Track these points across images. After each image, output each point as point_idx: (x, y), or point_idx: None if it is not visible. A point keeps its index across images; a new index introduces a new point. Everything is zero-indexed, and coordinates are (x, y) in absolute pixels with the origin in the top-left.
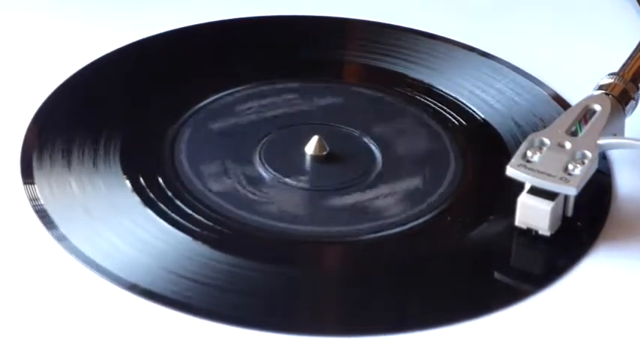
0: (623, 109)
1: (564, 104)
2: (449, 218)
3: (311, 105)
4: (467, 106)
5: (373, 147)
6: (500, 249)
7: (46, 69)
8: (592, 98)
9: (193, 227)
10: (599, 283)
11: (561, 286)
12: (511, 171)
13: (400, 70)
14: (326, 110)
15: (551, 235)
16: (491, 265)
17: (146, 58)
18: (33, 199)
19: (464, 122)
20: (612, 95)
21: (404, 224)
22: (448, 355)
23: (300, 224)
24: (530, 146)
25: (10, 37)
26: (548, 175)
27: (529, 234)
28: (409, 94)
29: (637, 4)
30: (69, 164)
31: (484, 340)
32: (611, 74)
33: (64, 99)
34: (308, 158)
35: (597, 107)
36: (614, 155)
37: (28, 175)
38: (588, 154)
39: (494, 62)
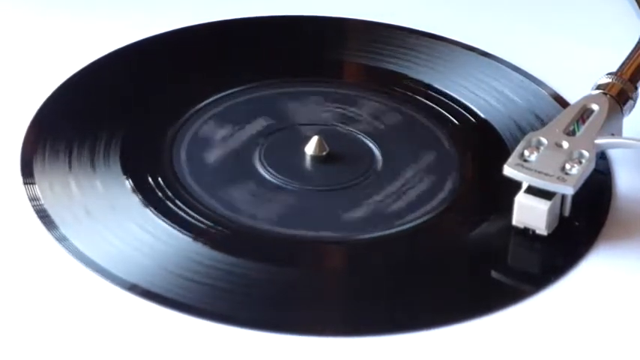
0: (621, 109)
1: (564, 104)
2: (449, 218)
3: (311, 105)
4: (467, 106)
5: (373, 147)
6: (501, 249)
7: (46, 69)
8: (590, 98)
9: (193, 227)
10: (599, 284)
11: (561, 287)
12: (508, 170)
13: (400, 70)
14: (326, 110)
15: (551, 235)
16: (491, 265)
17: (146, 58)
18: (33, 199)
19: (464, 122)
20: (610, 95)
21: (404, 224)
22: (447, 355)
23: (300, 224)
24: (528, 146)
25: (11, 37)
26: (546, 174)
27: (527, 234)
28: (409, 94)
29: (636, 4)
30: (69, 164)
31: (483, 341)
32: (609, 74)
33: (64, 99)
34: (308, 158)
35: (595, 107)
36: (613, 155)
37: (28, 175)
38: (586, 153)
39: (494, 62)
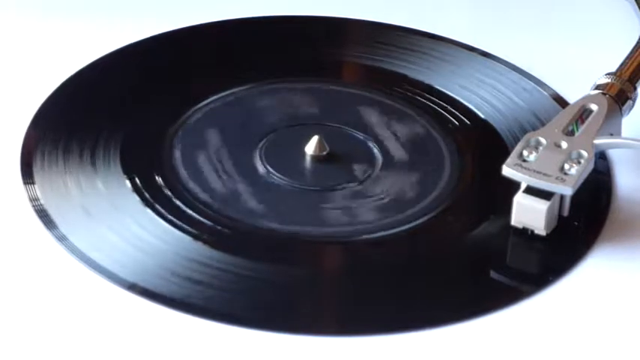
0: (620, 109)
1: (564, 104)
2: (449, 218)
3: (311, 105)
4: (467, 106)
5: (373, 147)
6: (500, 249)
7: (46, 69)
8: (589, 98)
9: (193, 227)
10: (599, 284)
11: (561, 287)
12: (507, 170)
13: (400, 70)
14: (326, 110)
15: (551, 235)
16: (491, 265)
17: (146, 58)
18: (33, 199)
19: (464, 122)
20: (609, 95)
21: (404, 224)
22: (447, 355)
23: (300, 224)
24: (527, 146)
25: (11, 37)
26: (544, 174)
27: (525, 234)
28: (409, 94)
29: (636, 4)
30: (69, 164)
31: (483, 341)
32: (609, 74)
33: (64, 99)
34: (308, 158)
35: (594, 107)
36: (613, 155)
37: (28, 175)
38: (584, 153)
39: (494, 62)
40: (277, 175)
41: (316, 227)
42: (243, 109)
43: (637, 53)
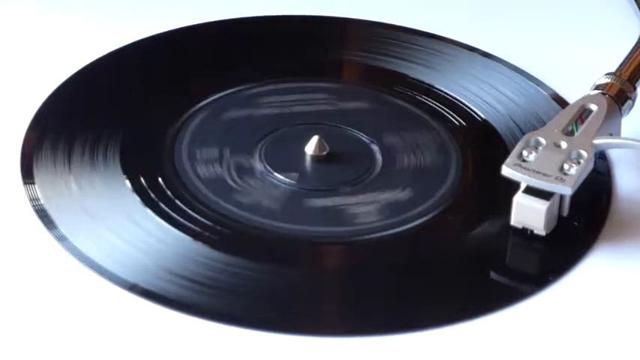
0: (620, 109)
1: (564, 104)
2: (449, 218)
3: (311, 105)
4: (467, 106)
5: (373, 147)
6: (500, 249)
7: (46, 69)
8: (588, 98)
9: (193, 227)
10: (599, 284)
11: (561, 287)
12: (506, 170)
13: (400, 70)
14: (326, 110)
15: (551, 235)
16: (491, 265)
17: (146, 58)
18: (33, 199)
19: (464, 122)
20: (609, 95)
21: (404, 224)
22: (447, 355)
23: (300, 224)
24: (526, 146)
25: (11, 36)
26: (544, 174)
27: (525, 234)
28: (409, 94)
29: (636, 4)
30: (69, 164)
31: (483, 341)
32: (608, 74)
33: (64, 99)
34: (308, 158)
35: (593, 107)
36: (613, 155)
37: (28, 175)
38: (584, 153)
39: (494, 62)
40: (278, 175)
41: (316, 227)
42: (243, 109)
43: (637, 53)
